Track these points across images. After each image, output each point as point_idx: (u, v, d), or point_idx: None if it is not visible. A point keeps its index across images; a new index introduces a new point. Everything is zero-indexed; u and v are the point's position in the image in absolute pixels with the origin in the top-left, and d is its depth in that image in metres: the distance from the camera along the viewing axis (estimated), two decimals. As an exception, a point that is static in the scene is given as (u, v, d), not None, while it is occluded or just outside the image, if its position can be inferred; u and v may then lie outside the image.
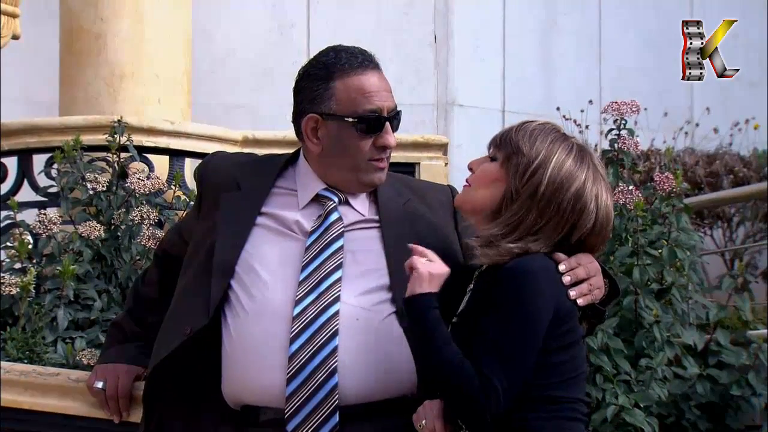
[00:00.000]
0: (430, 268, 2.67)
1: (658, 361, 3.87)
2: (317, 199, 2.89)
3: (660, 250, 4.04)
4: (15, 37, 5.84)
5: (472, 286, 2.72)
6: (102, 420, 3.58)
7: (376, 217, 2.89)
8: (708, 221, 8.00)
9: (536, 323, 2.57)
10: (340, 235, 2.83)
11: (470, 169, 2.75)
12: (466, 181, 2.75)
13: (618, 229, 4.05)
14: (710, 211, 7.87)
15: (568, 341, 2.63)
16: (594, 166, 2.68)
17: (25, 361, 3.89)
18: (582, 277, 2.66)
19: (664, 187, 4.08)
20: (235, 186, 2.90)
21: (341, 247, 2.81)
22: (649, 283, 4.03)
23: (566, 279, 2.63)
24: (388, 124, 2.85)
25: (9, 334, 4.02)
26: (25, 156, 5.08)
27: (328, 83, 2.85)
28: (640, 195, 4.04)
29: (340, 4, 8.43)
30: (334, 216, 2.86)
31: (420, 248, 2.71)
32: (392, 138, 2.86)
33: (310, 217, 2.87)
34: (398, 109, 2.88)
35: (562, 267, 2.64)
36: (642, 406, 3.79)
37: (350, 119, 2.82)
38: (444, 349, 2.58)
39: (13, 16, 5.80)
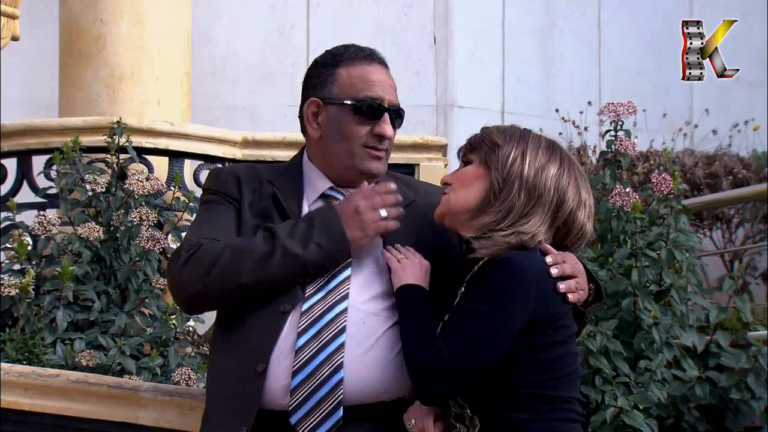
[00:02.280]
0: (403, 264, 2.78)
1: (657, 363, 3.87)
2: (324, 198, 2.91)
3: (659, 252, 4.04)
4: (15, 39, 5.85)
5: (468, 278, 2.73)
6: (102, 421, 3.59)
7: None
8: (707, 222, 7.99)
9: (511, 313, 2.59)
10: None
11: (445, 183, 2.79)
12: (444, 194, 2.78)
13: (616, 231, 4.05)
14: (710, 212, 7.87)
15: (558, 338, 2.65)
16: (566, 155, 2.76)
17: (25, 363, 3.89)
18: (568, 273, 2.69)
19: (662, 188, 4.08)
20: (270, 183, 2.92)
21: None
22: (647, 284, 4.03)
23: (554, 271, 2.67)
24: (387, 114, 2.87)
25: (8, 336, 4.02)
26: (24, 157, 5.08)
27: (332, 69, 2.90)
28: (637, 197, 4.04)
29: (339, 5, 8.43)
30: None
31: (394, 252, 2.81)
32: (389, 128, 2.88)
33: None
34: (401, 108, 2.91)
35: (548, 259, 2.68)
36: (641, 407, 3.79)
37: (349, 102, 2.86)
38: (412, 328, 2.66)
39: (13, 17, 5.80)
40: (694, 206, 6.15)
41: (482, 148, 2.74)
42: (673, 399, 3.92)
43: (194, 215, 4.67)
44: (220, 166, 5.10)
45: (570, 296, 2.68)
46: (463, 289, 2.73)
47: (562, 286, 2.66)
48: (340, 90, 2.88)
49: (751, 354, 3.99)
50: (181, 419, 3.57)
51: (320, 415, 2.68)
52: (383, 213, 2.80)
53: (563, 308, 2.68)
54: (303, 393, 2.69)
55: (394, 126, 2.90)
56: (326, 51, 2.97)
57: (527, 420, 2.60)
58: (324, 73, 2.90)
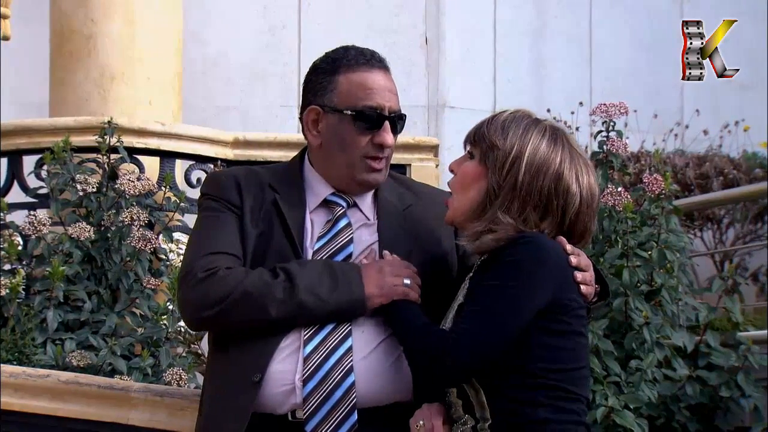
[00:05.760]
0: None
1: (647, 362, 3.88)
2: (325, 203, 2.90)
3: (649, 252, 4.05)
4: (5, 38, 5.84)
5: (471, 274, 2.71)
6: (93, 422, 3.58)
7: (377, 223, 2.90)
8: (698, 223, 8.00)
9: (533, 290, 2.56)
10: (350, 242, 2.84)
11: (452, 171, 2.76)
12: (449, 185, 2.76)
13: (607, 231, 4.06)
14: (700, 212, 7.88)
15: (575, 328, 2.62)
16: (569, 146, 2.68)
17: (15, 363, 3.88)
18: (583, 266, 2.67)
19: (653, 188, 4.09)
20: (272, 189, 2.89)
21: (350, 254, 2.83)
22: (638, 284, 4.04)
23: (573, 260, 2.63)
24: (387, 122, 2.84)
25: (-1, 336, 4.01)
26: (14, 157, 5.08)
27: (332, 77, 2.86)
28: (629, 197, 4.05)
29: (331, 5, 8.42)
30: (342, 222, 2.87)
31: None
32: (390, 137, 2.85)
33: (319, 221, 2.88)
34: (402, 113, 2.88)
35: (568, 247, 2.64)
36: (632, 407, 3.79)
37: (349, 112, 2.83)
38: (413, 321, 2.67)
39: (4, 17, 5.79)
40: (685, 207, 6.15)
41: (482, 145, 2.69)
42: (663, 398, 3.93)
43: (184, 215, 4.70)
44: (212, 166, 5.10)
45: (583, 288, 2.64)
46: (468, 281, 2.70)
47: (579, 276, 2.63)
48: (339, 98, 2.84)
49: (741, 353, 4.00)
50: (171, 419, 3.57)
51: (336, 420, 2.68)
52: (407, 281, 2.76)
53: (579, 298, 2.64)
54: (316, 399, 2.69)
55: (396, 132, 2.87)
56: (326, 55, 2.92)
57: (546, 421, 2.56)
58: (323, 80, 2.86)
